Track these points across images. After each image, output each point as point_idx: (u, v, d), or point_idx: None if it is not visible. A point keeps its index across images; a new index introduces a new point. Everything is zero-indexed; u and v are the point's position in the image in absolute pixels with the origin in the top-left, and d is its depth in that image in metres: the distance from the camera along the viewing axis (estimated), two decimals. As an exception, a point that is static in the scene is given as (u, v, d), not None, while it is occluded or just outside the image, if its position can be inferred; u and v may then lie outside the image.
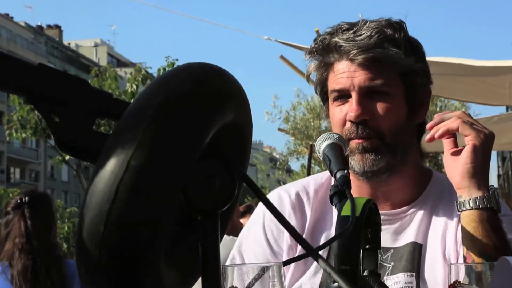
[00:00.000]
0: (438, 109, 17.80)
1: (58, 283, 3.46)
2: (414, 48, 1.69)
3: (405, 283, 1.65)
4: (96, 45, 67.84)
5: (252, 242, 1.78)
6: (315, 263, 1.68)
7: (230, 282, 0.98)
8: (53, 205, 3.89)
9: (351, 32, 1.65)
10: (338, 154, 1.47)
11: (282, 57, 6.88)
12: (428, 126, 1.60)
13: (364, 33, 1.63)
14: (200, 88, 0.82)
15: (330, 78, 1.70)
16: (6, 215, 3.63)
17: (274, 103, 21.58)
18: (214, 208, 0.86)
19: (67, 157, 20.46)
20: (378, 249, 1.35)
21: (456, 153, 1.57)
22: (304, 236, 1.73)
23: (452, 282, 1.30)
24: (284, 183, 2.12)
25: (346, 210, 1.27)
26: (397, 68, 1.65)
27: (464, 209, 1.55)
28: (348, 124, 1.65)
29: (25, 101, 0.86)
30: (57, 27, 65.66)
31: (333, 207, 1.42)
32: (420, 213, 1.72)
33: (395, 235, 1.71)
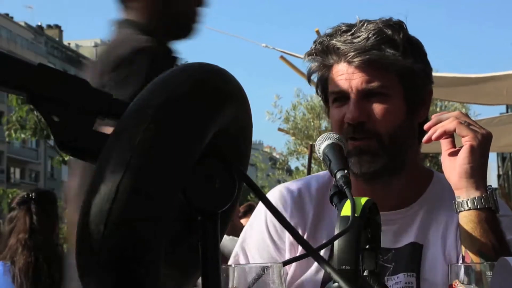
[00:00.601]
0: (438, 109, 17.79)
1: (59, 282, 3.46)
2: (414, 49, 1.69)
3: (406, 283, 1.65)
4: (96, 45, 67.81)
5: (255, 238, 1.78)
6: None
7: (230, 282, 0.98)
8: (57, 205, 3.89)
9: (349, 34, 1.65)
10: (338, 154, 1.48)
11: (282, 57, 6.89)
12: (425, 126, 1.60)
13: (361, 35, 1.64)
14: (200, 88, 0.82)
15: (329, 79, 1.71)
16: (11, 211, 3.63)
17: (275, 102, 21.58)
18: (214, 208, 0.86)
19: (67, 158, 20.46)
20: (378, 249, 1.35)
21: (454, 153, 1.57)
22: (306, 234, 1.73)
23: (452, 282, 1.30)
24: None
25: (346, 210, 1.28)
26: (395, 70, 1.65)
27: (462, 209, 1.55)
28: (346, 125, 1.66)
29: (25, 101, 0.86)
30: (57, 27, 65.67)
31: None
32: (420, 214, 1.72)
33: (396, 236, 1.71)
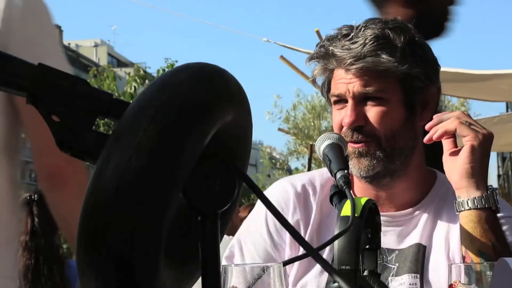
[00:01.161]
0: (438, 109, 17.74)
1: (59, 284, 3.45)
2: (415, 52, 1.68)
3: (410, 284, 1.65)
4: (96, 45, 67.83)
5: (253, 232, 1.78)
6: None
7: (230, 282, 0.98)
8: None
9: (347, 39, 1.66)
10: (338, 154, 1.48)
11: (282, 57, 6.89)
12: (427, 127, 1.61)
13: (358, 41, 1.64)
14: (200, 89, 0.82)
15: (331, 82, 1.72)
16: None
17: (275, 102, 21.59)
18: (214, 208, 0.86)
19: (67, 157, 20.38)
20: (378, 249, 1.36)
21: (455, 153, 1.58)
22: (309, 230, 1.73)
23: (452, 282, 1.30)
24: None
25: (346, 210, 1.28)
26: (392, 75, 1.65)
27: (463, 209, 1.55)
28: (344, 128, 1.67)
29: (25, 101, 0.86)
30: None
31: None
32: (424, 215, 1.72)
33: (400, 237, 1.71)
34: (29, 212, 3.54)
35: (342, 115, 1.68)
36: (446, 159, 1.59)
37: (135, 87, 18.39)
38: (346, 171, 1.41)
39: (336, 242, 1.25)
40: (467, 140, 1.55)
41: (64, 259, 3.58)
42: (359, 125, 1.66)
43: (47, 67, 0.86)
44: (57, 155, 1.11)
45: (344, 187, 1.36)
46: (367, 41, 1.64)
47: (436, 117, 1.59)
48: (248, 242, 1.77)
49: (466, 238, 1.55)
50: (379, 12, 2.48)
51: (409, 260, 1.68)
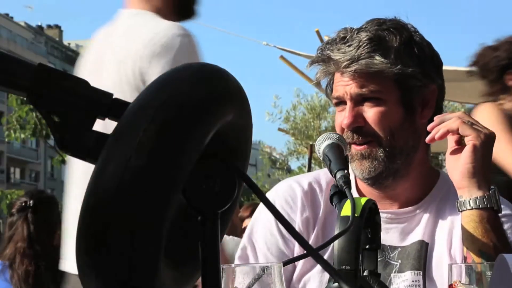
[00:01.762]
0: (438, 109, 17.75)
1: (57, 286, 3.45)
2: (411, 51, 1.69)
3: (412, 281, 1.67)
4: (96, 45, 67.61)
5: (263, 231, 1.79)
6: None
7: (230, 282, 0.98)
8: (59, 207, 3.86)
9: (343, 42, 1.69)
10: (338, 154, 1.48)
11: (282, 57, 6.89)
12: (428, 127, 1.62)
13: (353, 44, 1.67)
14: (200, 88, 0.82)
15: (333, 85, 1.75)
16: (11, 217, 3.61)
17: (275, 103, 21.60)
18: (214, 208, 0.86)
19: (67, 158, 20.48)
20: (378, 249, 1.36)
21: (457, 152, 1.58)
22: (317, 227, 1.75)
23: (452, 282, 1.30)
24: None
25: (346, 210, 1.28)
26: (386, 75, 1.67)
27: (465, 209, 1.56)
28: (346, 129, 1.69)
29: (25, 101, 0.86)
30: (57, 27, 65.66)
31: None
32: (427, 212, 1.74)
33: (403, 234, 1.73)
34: (25, 219, 3.53)
35: (342, 117, 1.70)
36: (448, 158, 1.60)
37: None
38: (346, 171, 1.42)
39: (336, 242, 1.25)
40: (469, 140, 1.56)
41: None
42: (359, 126, 1.68)
43: (47, 67, 0.86)
44: None
45: (344, 187, 1.36)
46: (361, 44, 1.67)
47: (437, 118, 1.60)
48: (260, 242, 1.78)
49: (468, 238, 1.55)
50: None
51: (412, 257, 1.69)
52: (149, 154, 0.77)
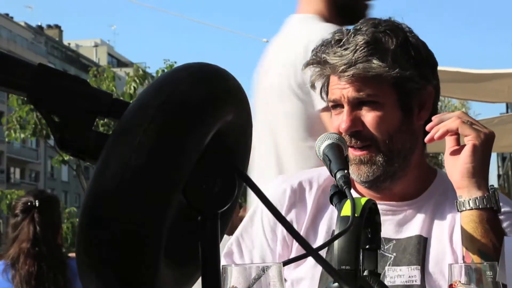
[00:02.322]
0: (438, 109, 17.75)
1: (62, 285, 3.44)
2: (408, 53, 1.68)
3: (409, 276, 1.66)
4: (96, 45, 67.82)
5: (250, 229, 1.82)
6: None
7: (230, 282, 0.98)
8: (60, 207, 3.87)
9: (339, 45, 1.67)
10: (338, 154, 1.48)
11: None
12: (427, 127, 1.61)
13: (350, 47, 1.66)
14: (200, 88, 0.82)
15: (328, 88, 1.74)
16: (15, 217, 3.59)
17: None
18: (214, 208, 0.86)
19: (66, 157, 20.49)
20: (378, 249, 1.36)
21: (457, 152, 1.58)
22: (304, 225, 1.76)
23: (452, 282, 1.30)
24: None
25: (346, 210, 1.28)
26: (384, 79, 1.66)
27: (464, 209, 1.56)
28: (343, 133, 1.68)
29: (25, 101, 0.86)
30: (57, 27, 65.67)
31: None
32: (424, 208, 1.74)
33: (398, 226, 1.73)
34: (31, 220, 3.52)
35: (340, 120, 1.69)
36: (448, 158, 1.59)
37: (134, 87, 18.43)
38: (346, 171, 1.42)
39: (336, 242, 1.25)
40: (469, 140, 1.55)
41: (66, 259, 3.56)
42: (357, 130, 1.67)
43: (47, 67, 0.86)
44: None
45: (344, 187, 1.36)
46: (357, 47, 1.65)
47: (436, 118, 1.60)
48: (246, 239, 1.81)
49: (467, 238, 1.55)
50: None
51: (409, 252, 1.68)
52: (149, 154, 0.77)
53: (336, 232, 1.26)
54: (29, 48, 53.63)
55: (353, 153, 1.68)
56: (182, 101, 0.80)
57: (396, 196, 1.75)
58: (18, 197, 4.06)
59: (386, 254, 1.70)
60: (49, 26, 65.11)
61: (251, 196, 2.61)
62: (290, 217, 1.77)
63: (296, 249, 1.75)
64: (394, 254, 1.69)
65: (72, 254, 3.70)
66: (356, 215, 1.26)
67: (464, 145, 1.56)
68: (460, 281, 1.29)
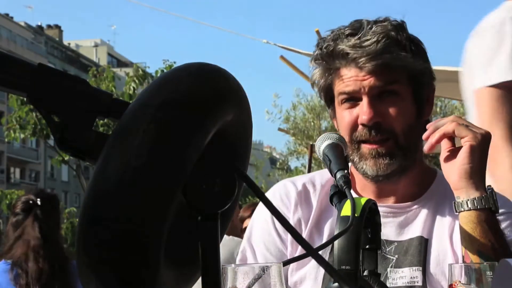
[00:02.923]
0: (438, 109, 17.80)
1: (69, 283, 3.45)
2: (417, 48, 1.70)
3: (411, 277, 1.66)
4: (96, 45, 67.83)
5: (260, 231, 1.80)
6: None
7: (230, 282, 0.98)
8: (60, 206, 3.87)
9: (356, 38, 1.65)
10: (338, 154, 1.48)
11: (282, 57, 6.89)
12: (424, 136, 1.61)
13: (370, 39, 1.64)
14: (200, 88, 0.82)
15: (336, 82, 1.71)
16: (16, 216, 3.58)
17: (275, 102, 21.60)
18: (214, 208, 0.86)
19: (66, 157, 20.50)
20: (378, 249, 1.36)
21: (453, 153, 1.58)
22: (309, 225, 1.76)
23: (452, 282, 1.30)
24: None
25: (346, 210, 1.28)
26: (405, 71, 1.66)
27: (462, 210, 1.56)
28: (360, 127, 1.67)
29: (25, 101, 0.86)
30: (57, 27, 65.68)
31: None
32: (425, 209, 1.74)
33: (400, 228, 1.73)
34: (35, 218, 3.51)
35: (355, 114, 1.67)
36: (444, 160, 1.59)
37: (134, 87, 18.42)
38: (346, 171, 1.42)
39: (336, 242, 1.25)
40: (466, 141, 1.55)
41: (68, 257, 3.56)
42: (377, 122, 1.65)
43: (47, 67, 0.86)
44: None
45: (344, 187, 1.36)
46: (379, 38, 1.64)
47: (431, 125, 1.60)
48: (259, 242, 1.79)
49: (466, 238, 1.55)
50: None
51: (410, 254, 1.68)
52: (149, 154, 0.77)
53: (336, 232, 1.26)
54: (29, 48, 53.62)
55: (367, 147, 1.67)
56: (182, 101, 0.80)
57: (398, 196, 1.75)
58: (18, 197, 4.05)
59: (388, 256, 1.70)
60: (49, 26, 65.11)
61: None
62: (296, 218, 1.76)
63: (300, 249, 1.74)
64: (396, 256, 1.70)
65: None
66: (356, 215, 1.26)
67: (461, 146, 1.56)
68: (460, 281, 1.29)
